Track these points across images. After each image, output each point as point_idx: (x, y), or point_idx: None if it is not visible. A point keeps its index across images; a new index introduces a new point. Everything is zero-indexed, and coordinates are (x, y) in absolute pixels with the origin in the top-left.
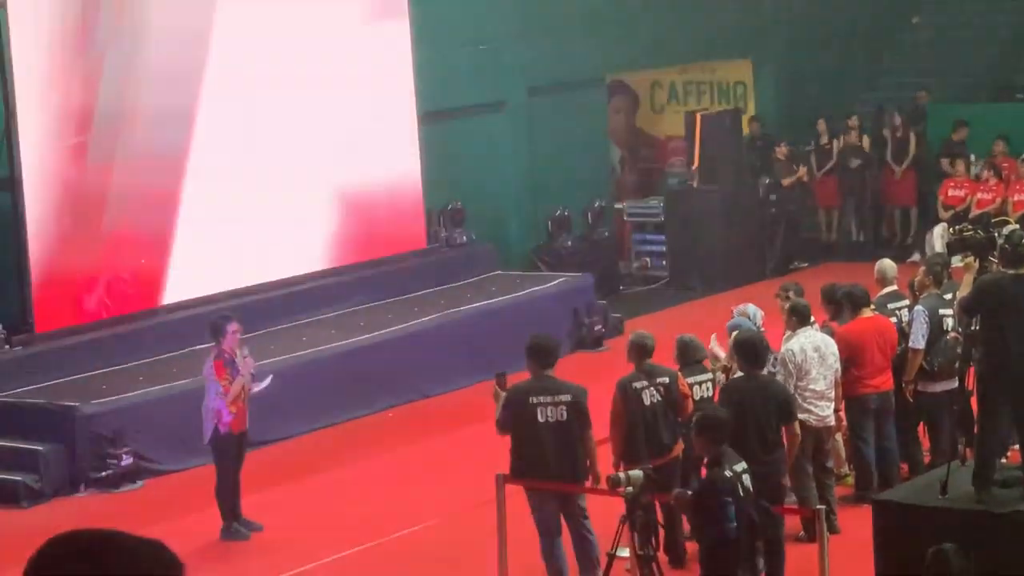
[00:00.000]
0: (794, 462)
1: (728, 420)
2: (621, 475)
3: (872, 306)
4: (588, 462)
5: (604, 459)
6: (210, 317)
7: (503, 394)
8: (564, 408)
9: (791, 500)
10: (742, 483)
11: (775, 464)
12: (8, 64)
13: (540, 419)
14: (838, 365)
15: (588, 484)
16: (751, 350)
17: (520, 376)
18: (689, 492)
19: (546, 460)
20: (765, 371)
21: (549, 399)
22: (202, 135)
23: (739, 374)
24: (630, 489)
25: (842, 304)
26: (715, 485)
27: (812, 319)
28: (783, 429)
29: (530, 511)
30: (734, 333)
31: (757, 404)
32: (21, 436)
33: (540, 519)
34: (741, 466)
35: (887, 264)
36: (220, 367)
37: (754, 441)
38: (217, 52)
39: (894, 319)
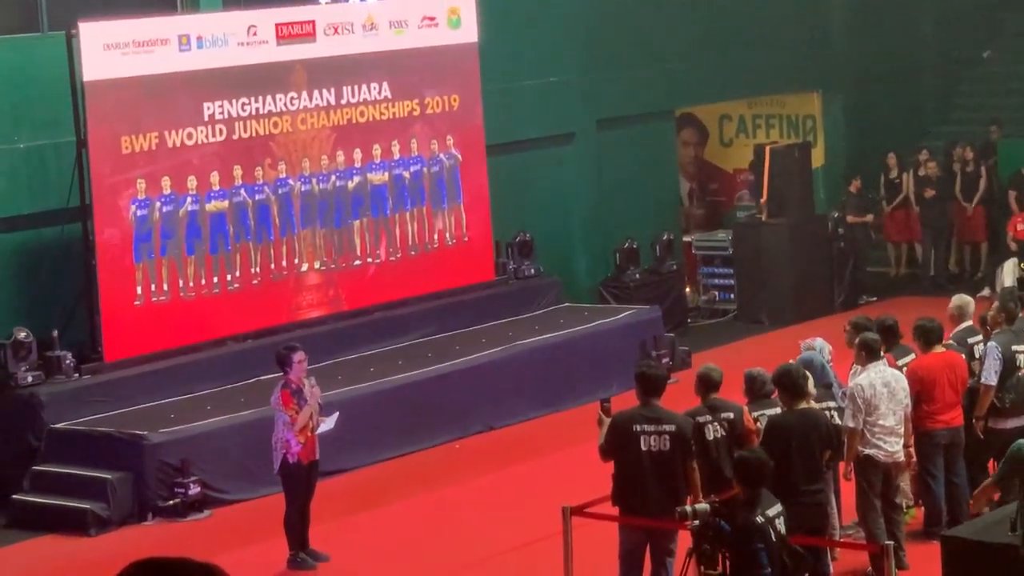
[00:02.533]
0: (862, 498)
1: (767, 462)
2: (687, 508)
3: (951, 341)
4: (690, 495)
5: None
6: (277, 347)
7: (607, 420)
8: (668, 438)
9: (859, 535)
10: (774, 528)
11: (821, 494)
12: (81, 93)
13: (643, 447)
14: (908, 401)
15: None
16: (791, 383)
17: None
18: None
19: (646, 488)
20: (834, 404)
21: (653, 428)
22: (270, 167)
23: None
24: (696, 523)
25: (893, 334)
26: (747, 532)
27: (882, 354)
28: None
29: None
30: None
31: (802, 436)
32: (89, 464)
33: (624, 547)
34: (775, 510)
35: (966, 299)
36: (287, 397)
37: (799, 473)
38: (291, 88)
39: (967, 353)
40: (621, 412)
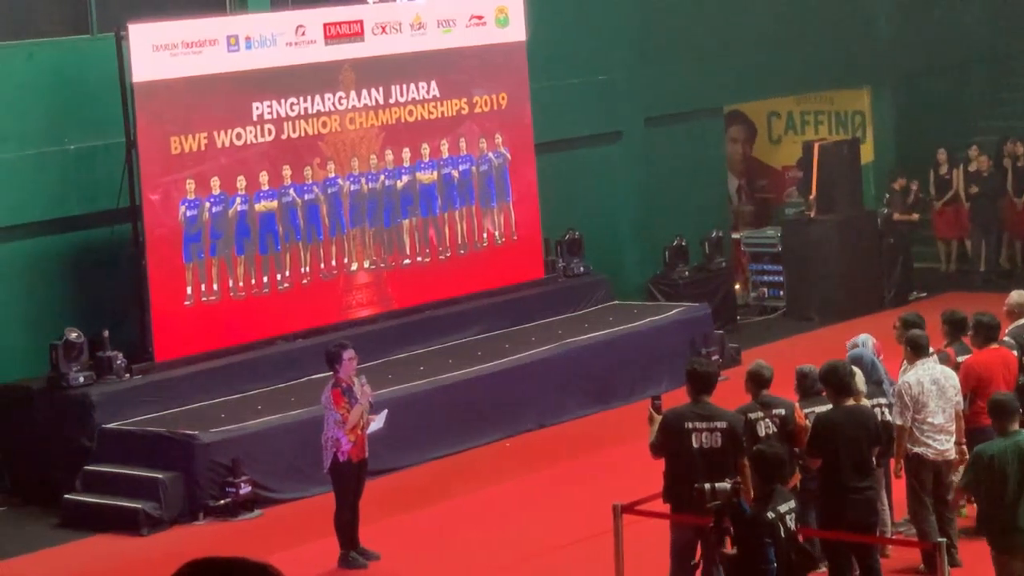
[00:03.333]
0: (913, 495)
1: (783, 458)
2: (707, 486)
3: (1007, 337)
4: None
5: None
6: (326, 346)
7: (658, 417)
8: (719, 435)
9: (911, 532)
10: (784, 524)
11: (871, 490)
12: (130, 94)
13: (694, 444)
14: (959, 398)
15: None
16: (837, 380)
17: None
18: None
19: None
20: (885, 400)
21: (704, 425)
22: (319, 167)
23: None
24: (717, 503)
25: (960, 329)
26: (756, 527)
27: (932, 351)
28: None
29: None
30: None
31: (849, 433)
32: (141, 464)
33: (676, 543)
34: (787, 506)
35: None
36: (338, 396)
37: (848, 469)
38: (339, 87)
39: (1020, 349)
40: (672, 409)
